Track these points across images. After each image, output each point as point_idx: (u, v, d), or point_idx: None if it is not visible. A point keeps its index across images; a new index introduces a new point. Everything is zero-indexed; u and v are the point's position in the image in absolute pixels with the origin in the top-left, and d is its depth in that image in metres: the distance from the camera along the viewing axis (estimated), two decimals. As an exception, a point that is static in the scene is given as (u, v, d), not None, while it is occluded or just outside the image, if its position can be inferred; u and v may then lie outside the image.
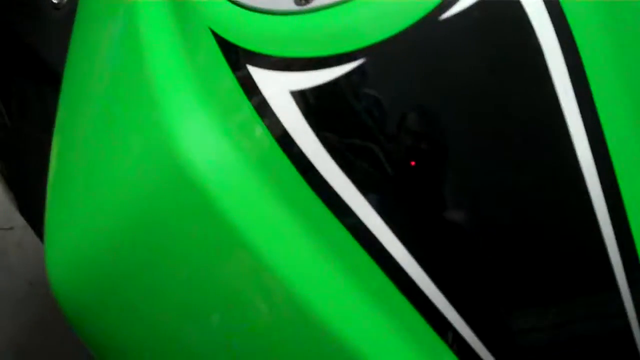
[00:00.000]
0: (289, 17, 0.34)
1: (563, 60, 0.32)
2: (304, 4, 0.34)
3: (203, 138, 0.35)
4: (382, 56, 0.32)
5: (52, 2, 0.60)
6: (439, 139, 0.34)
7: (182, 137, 0.35)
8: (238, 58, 0.35)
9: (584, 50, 0.32)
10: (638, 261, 0.35)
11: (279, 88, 0.33)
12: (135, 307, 0.39)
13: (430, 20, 0.32)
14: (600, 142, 0.33)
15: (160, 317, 0.39)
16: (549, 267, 0.35)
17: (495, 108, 0.33)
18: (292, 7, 0.34)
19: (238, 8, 0.35)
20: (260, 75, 0.34)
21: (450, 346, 0.36)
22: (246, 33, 0.35)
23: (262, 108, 0.34)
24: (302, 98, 0.33)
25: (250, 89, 0.34)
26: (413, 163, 0.34)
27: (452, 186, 0.34)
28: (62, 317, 0.43)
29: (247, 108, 0.34)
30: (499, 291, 0.36)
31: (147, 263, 0.38)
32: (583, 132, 0.33)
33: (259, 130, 0.34)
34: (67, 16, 0.55)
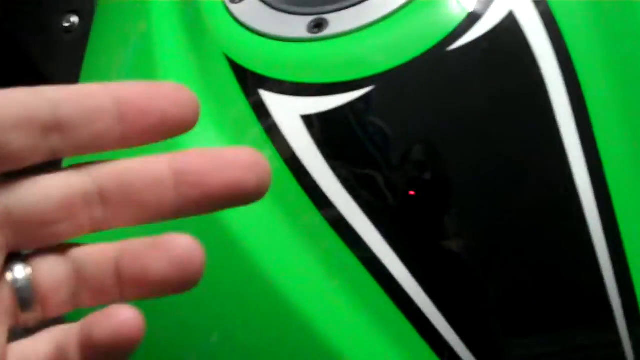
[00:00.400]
0: (301, 44, 0.35)
1: (566, 95, 0.33)
2: (316, 32, 0.35)
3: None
4: (389, 84, 0.33)
5: (63, 25, 0.61)
6: (441, 167, 0.35)
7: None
8: (251, 82, 0.36)
9: (585, 84, 0.33)
10: (635, 294, 0.35)
11: (289, 112, 0.35)
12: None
13: (438, 51, 0.33)
14: (599, 175, 0.33)
15: (163, 333, 0.40)
16: (547, 296, 0.36)
17: (498, 139, 0.34)
18: (305, 34, 0.35)
19: (252, 34, 0.37)
20: (271, 100, 0.35)
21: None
22: (259, 59, 0.36)
23: (273, 131, 0.35)
24: (312, 122, 0.34)
25: (262, 112, 0.35)
26: (417, 192, 0.34)
27: (452, 214, 0.35)
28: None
29: (257, 130, 0.35)
30: (497, 316, 0.37)
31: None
32: (584, 165, 0.33)
33: (269, 152, 0.35)
34: (79, 40, 0.57)
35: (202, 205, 0.20)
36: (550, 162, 0.34)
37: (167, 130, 0.21)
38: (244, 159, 0.20)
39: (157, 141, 0.21)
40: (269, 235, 0.35)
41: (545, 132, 0.33)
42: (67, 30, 0.59)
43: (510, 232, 0.35)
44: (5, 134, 0.18)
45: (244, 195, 0.20)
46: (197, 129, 0.37)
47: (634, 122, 0.34)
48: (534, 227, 0.35)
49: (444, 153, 0.34)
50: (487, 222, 0.35)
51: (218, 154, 0.21)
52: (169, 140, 0.36)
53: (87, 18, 0.58)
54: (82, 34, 0.56)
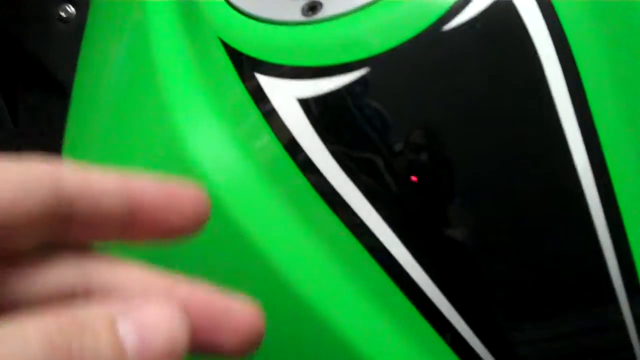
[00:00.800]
0: (296, 27, 0.35)
1: (562, 73, 0.33)
2: (311, 15, 0.35)
3: (212, 144, 0.36)
4: (386, 66, 0.33)
5: (60, 15, 0.61)
6: (440, 150, 0.35)
7: (192, 143, 0.36)
8: (247, 66, 0.36)
9: (581, 61, 0.33)
10: (636, 275, 0.35)
11: (286, 96, 0.34)
12: None
13: (433, 31, 0.33)
14: (598, 155, 0.33)
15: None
16: (551, 279, 0.36)
17: (495, 120, 0.34)
18: (299, 17, 0.35)
19: (246, 18, 0.36)
20: (268, 83, 0.35)
21: (452, 347, 0.36)
22: (255, 42, 0.36)
23: (270, 115, 0.35)
24: (309, 106, 0.34)
25: (259, 96, 0.35)
26: (414, 176, 0.34)
27: (451, 197, 0.35)
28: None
29: (255, 115, 0.35)
30: (501, 300, 0.37)
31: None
32: (582, 146, 0.33)
33: (267, 136, 0.35)
34: (75, 29, 0.57)
35: None
36: (548, 144, 0.34)
37: (171, 236, 0.20)
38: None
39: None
40: (268, 219, 0.35)
41: (542, 112, 0.33)
42: (64, 20, 0.60)
43: (511, 216, 0.36)
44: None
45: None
46: (195, 115, 0.37)
47: (631, 100, 0.34)
48: (535, 211, 0.35)
49: (441, 135, 0.34)
50: (485, 205, 0.35)
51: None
52: (171, 132, 0.36)
53: (83, 7, 0.58)
54: (79, 23, 0.56)
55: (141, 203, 0.19)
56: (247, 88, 0.36)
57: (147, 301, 0.16)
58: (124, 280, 0.18)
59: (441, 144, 0.34)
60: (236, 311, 0.19)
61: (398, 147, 0.34)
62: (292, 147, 0.35)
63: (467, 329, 0.36)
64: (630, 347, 0.36)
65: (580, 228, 0.35)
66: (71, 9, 0.60)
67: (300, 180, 0.35)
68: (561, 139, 0.33)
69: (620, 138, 0.34)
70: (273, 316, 0.37)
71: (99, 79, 0.47)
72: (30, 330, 0.14)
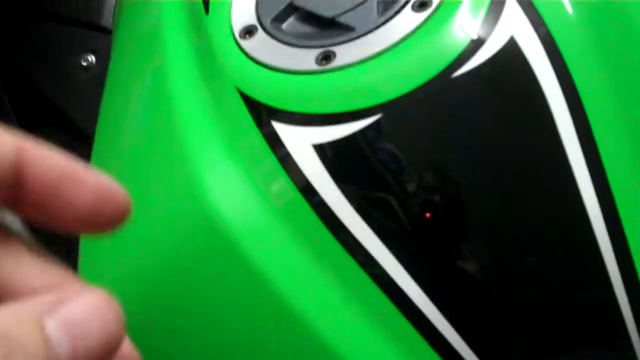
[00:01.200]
0: (311, 76, 0.36)
1: (570, 119, 0.33)
2: (324, 64, 0.36)
3: (230, 189, 0.37)
4: (396, 112, 0.34)
5: (81, 64, 0.63)
6: (451, 192, 0.35)
7: (210, 189, 0.37)
8: (263, 114, 0.37)
9: (588, 105, 0.34)
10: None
11: (301, 142, 0.35)
12: (159, 351, 0.40)
13: (442, 78, 0.34)
14: (608, 196, 0.34)
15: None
16: (562, 317, 0.37)
17: (505, 162, 0.35)
18: (313, 67, 0.36)
19: (262, 68, 0.38)
20: (283, 130, 0.36)
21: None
22: (270, 91, 0.37)
23: (286, 161, 0.36)
24: (323, 151, 0.35)
25: (275, 143, 0.36)
26: (428, 215, 0.35)
27: (463, 236, 0.36)
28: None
29: (271, 161, 0.36)
30: (512, 336, 0.37)
31: (175, 311, 0.39)
32: (591, 187, 0.34)
33: (283, 181, 0.36)
34: (96, 77, 0.58)
35: None
36: (558, 185, 0.35)
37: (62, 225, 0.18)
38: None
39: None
40: (286, 262, 0.36)
41: (551, 154, 0.34)
42: (85, 68, 0.61)
43: (520, 254, 0.36)
44: None
45: None
46: (213, 161, 0.38)
47: (638, 140, 0.34)
48: (544, 249, 0.36)
49: (452, 177, 0.35)
50: (496, 244, 0.36)
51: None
52: (190, 179, 0.37)
53: (104, 56, 0.60)
54: (100, 71, 0.58)
55: (35, 175, 0.17)
56: (263, 135, 0.37)
57: (75, 294, 0.15)
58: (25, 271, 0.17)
59: (451, 186, 0.35)
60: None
61: (410, 188, 0.35)
62: (307, 190, 0.35)
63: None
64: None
65: (590, 265, 0.35)
66: (92, 58, 0.62)
67: (315, 221, 0.36)
68: (570, 179, 0.34)
69: (630, 179, 0.35)
70: (289, 355, 0.37)
71: (119, 126, 0.48)
72: None
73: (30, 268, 0.16)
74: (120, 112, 0.48)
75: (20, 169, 0.17)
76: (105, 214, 0.18)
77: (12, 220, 0.17)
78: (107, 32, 0.58)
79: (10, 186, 0.16)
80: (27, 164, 0.17)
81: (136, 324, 0.40)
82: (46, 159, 0.17)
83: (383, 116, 0.34)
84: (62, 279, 0.17)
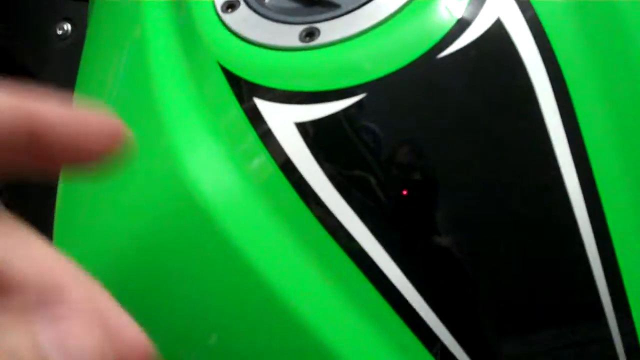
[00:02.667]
0: (294, 53, 0.36)
1: (554, 102, 0.33)
2: (308, 41, 0.35)
3: (210, 164, 0.36)
4: (380, 92, 0.34)
5: (57, 33, 0.61)
6: (433, 171, 0.35)
7: (190, 164, 0.36)
8: (245, 90, 0.36)
9: (573, 88, 0.34)
10: (624, 289, 0.36)
11: (283, 119, 0.35)
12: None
13: (427, 58, 0.33)
14: (588, 177, 0.34)
15: (162, 339, 0.40)
16: (539, 294, 0.37)
17: (488, 144, 0.35)
18: (297, 43, 0.36)
19: (245, 43, 0.37)
20: (265, 107, 0.35)
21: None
22: (253, 67, 0.36)
23: (267, 137, 0.35)
24: (305, 129, 0.35)
25: (256, 119, 0.36)
26: (408, 194, 0.35)
27: (444, 215, 0.36)
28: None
29: (252, 137, 0.36)
30: (490, 314, 0.37)
31: (152, 286, 0.39)
32: (573, 167, 0.34)
33: (264, 158, 0.36)
34: (73, 46, 0.57)
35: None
36: (539, 164, 0.35)
37: (82, 161, 0.19)
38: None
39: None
40: (264, 238, 0.36)
41: (534, 136, 0.34)
42: (61, 37, 0.60)
43: (500, 232, 0.36)
44: None
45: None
46: (193, 136, 0.38)
47: (622, 121, 0.35)
48: (523, 227, 0.36)
49: (435, 158, 0.35)
50: (477, 222, 0.36)
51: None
52: (169, 153, 0.37)
53: (80, 25, 0.58)
54: (76, 41, 0.57)
55: (44, 126, 0.17)
56: (244, 111, 0.36)
57: (72, 316, 0.15)
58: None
59: (434, 165, 0.35)
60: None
61: (391, 168, 0.35)
62: (288, 167, 0.35)
63: (455, 343, 0.36)
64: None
65: (568, 243, 0.36)
66: (68, 26, 0.60)
67: (295, 199, 0.35)
68: (552, 159, 0.34)
69: (611, 158, 0.35)
70: (269, 336, 0.37)
71: (97, 98, 0.47)
72: None
73: (22, 251, 0.16)
74: (98, 85, 0.47)
75: (31, 129, 0.17)
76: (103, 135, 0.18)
77: None
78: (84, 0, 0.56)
79: (27, 145, 0.17)
80: (37, 121, 0.17)
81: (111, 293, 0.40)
82: (51, 111, 0.17)
83: (366, 96, 0.34)
84: (53, 266, 0.17)
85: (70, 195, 0.44)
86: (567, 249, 0.36)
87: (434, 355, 0.36)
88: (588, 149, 0.34)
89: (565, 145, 0.33)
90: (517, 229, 0.36)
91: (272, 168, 0.35)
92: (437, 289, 0.36)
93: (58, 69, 0.59)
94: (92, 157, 0.18)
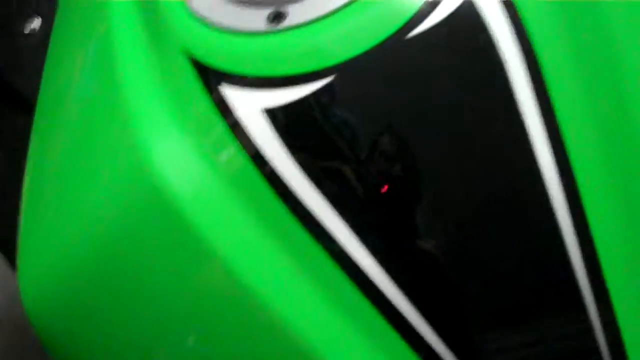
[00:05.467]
0: (261, 37, 0.35)
1: (526, 75, 0.33)
2: (276, 24, 0.34)
3: (177, 157, 0.35)
4: (350, 74, 0.33)
5: (22, 32, 0.60)
6: (406, 156, 0.34)
7: (156, 156, 0.35)
8: (212, 78, 0.35)
9: (545, 64, 0.33)
10: (604, 282, 0.35)
11: (251, 107, 0.34)
12: (109, 327, 0.39)
13: (396, 38, 0.32)
14: (562, 153, 0.33)
15: (135, 337, 0.39)
16: (519, 287, 0.36)
17: (462, 126, 0.34)
18: (264, 26, 0.35)
19: (211, 29, 0.36)
20: (233, 95, 0.34)
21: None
22: (219, 53, 0.35)
23: (236, 127, 0.34)
24: (275, 116, 0.34)
25: (224, 108, 0.35)
26: (382, 182, 0.34)
27: (420, 203, 0.35)
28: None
29: (221, 127, 0.35)
30: (471, 309, 0.37)
31: (121, 283, 0.38)
32: (547, 147, 0.33)
33: (233, 149, 0.35)
34: (39, 43, 0.56)
35: None
36: (513, 146, 0.34)
37: None
38: None
39: None
40: (234, 231, 0.35)
41: (506, 114, 0.33)
42: (29, 34, 0.59)
43: (478, 221, 0.35)
44: None
45: None
46: (160, 128, 0.37)
47: (595, 96, 0.34)
48: (501, 216, 0.35)
49: (407, 141, 0.34)
50: (453, 209, 0.35)
51: None
52: (135, 146, 0.36)
53: (48, 21, 0.57)
54: (43, 37, 0.56)
55: None
56: (212, 99, 0.35)
57: None
58: None
59: (407, 150, 0.34)
60: None
61: (364, 154, 0.34)
62: (258, 158, 0.34)
63: (439, 342, 0.36)
64: (598, 352, 0.36)
65: (547, 234, 0.35)
66: (38, 22, 0.59)
67: (266, 190, 0.34)
68: (526, 141, 0.33)
69: (586, 138, 0.34)
70: (242, 331, 0.37)
71: (63, 93, 0.46)
72: None
73: None
74: (64, 79, 0.46)
75: None
76: None
77: None
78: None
79: None
80: None
81: (81, 297, 0.39)
82: None
83: (336, 78, 0.33)
84: None
85: (36, 196, 0.43)
86: (547, 241, 0.35)
87: (419, 354, 0.36)
88: (562, 126, 0.33)
89: (539, 123, 0.33)
90: (494, 215, 0.35)
91: (242, 159, 0.34)
92: (413, 280, 0.35)
93: (26, 66, 0.58)
94: None
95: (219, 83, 0.35)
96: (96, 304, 0.39)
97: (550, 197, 0.34)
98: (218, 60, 0.35)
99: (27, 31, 0.60)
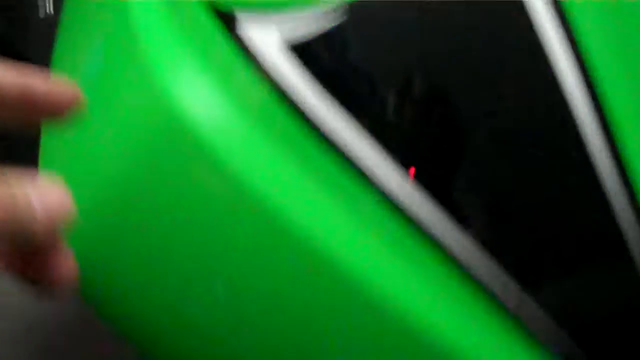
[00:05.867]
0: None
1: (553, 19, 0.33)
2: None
3: (201, 97, 0.35)
4: (375, 9, 0.34)
5: (38, 16, 0.61)
6: (433, 88, 0.35)
7: (178, 91, 0.35)
8: (231, 19, 0.35)
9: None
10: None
11: (271, 44, 0.34)
12: (142, 268, 0.38)
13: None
14: (596, 101, 0.34)
15: (170, 275, 0.38)
16: (561, 235, 0.36)
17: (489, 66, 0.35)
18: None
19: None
20: (252, 34, 0.35)
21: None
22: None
23: (257, 64, 0.35)
24: (296, 50, 0.34)
25: (244, 49, 0.35)
26: (406, 102, 0.34)
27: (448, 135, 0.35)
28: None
29: (242, 65, 0.35)
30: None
31: (139, 214, 0.37)
32: (578, 84, 0.33)
33: (255, 83, 0.35)
34: (53, 17, 0.56)
35: None
36: (540, 85, 0.34)
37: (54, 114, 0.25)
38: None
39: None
40: (264, 162, 0.35)
41: (533, 52, 0.33)
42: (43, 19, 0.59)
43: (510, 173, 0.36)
44: None
45: None
46: (181, 71, 0.36)
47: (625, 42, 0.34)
48: (535, 164, 0.35)
49: (433, 74, 0.34)
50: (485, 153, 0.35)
51: None
52: (158, 91, 0.35)
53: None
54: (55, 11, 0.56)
55: (32, 90, 0.24)
56: (232, 40, 0.35)
57: (45, 186, 0.23)
58: None
59: (434, 82, 0.34)
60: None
61: (386, 84, 0.34)
62: (281, 91, 0.34)
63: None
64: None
65: (585, 179, 0.35)
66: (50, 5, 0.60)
67: (290, 120, 0.34)
68: (557, 84, 0.33)
69: (619, 86, 0.34)
70: (272, 263, 0.36)
71: (79, 53, 0.46)
72: None
73: None
74: (80, 35, 0.46)
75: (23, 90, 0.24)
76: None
77: None
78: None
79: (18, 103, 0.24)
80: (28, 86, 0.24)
81: (100, 226, 0.39)
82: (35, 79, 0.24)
83: (355, 11, 0.33)
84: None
85: (53, 141, 0.43)
86: (586, 186, 0.35)
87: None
88: (592, 70, 0.33)
89: (571, 66, 0.33)
90: (528, 165, 0.35)
91: (265, 93, 0.35)
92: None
93: (38, 38, 0.58)
94: (62, 110, 0.25)
95: (237, 23, 0.35)
96: (126, 244, 0.38)
97: (586, 139, 0.34)
98: (235, 2, 0.36)
99: (42, 15, 0.61)
